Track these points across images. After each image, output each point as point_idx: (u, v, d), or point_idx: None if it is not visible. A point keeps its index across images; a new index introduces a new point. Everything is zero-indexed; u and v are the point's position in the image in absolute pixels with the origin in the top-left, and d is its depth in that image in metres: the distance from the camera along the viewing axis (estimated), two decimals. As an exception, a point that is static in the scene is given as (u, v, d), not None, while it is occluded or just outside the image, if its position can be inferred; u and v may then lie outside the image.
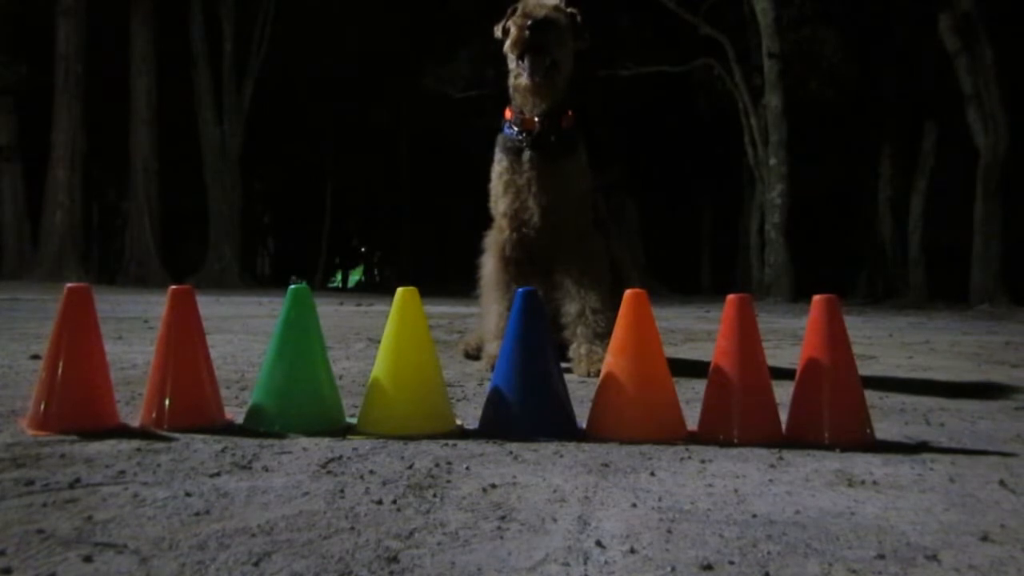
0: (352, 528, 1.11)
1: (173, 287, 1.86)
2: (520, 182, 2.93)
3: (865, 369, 3.23)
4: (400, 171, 24.36)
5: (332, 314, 7.04)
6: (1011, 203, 11.89)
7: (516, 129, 2.94)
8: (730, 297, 1.81)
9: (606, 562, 1.00)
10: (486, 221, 3.16)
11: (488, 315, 3.03)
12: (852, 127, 16.67)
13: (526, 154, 2.91)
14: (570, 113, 2.98)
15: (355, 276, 35.46)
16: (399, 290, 1.84)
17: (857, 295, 16.64)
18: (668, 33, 16.66)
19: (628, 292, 1.84)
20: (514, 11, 2.87)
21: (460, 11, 17.71)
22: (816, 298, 1.78)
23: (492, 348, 2.88)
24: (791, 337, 5.19)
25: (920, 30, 13.29)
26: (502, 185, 2.97)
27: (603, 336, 2.73)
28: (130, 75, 17.28)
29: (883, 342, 4.92)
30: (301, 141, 22.60)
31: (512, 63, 2.86)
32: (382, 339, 1.84)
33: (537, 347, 1.82)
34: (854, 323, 7.02)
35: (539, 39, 2.70)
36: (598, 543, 1.06)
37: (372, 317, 6.73)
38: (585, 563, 0.99)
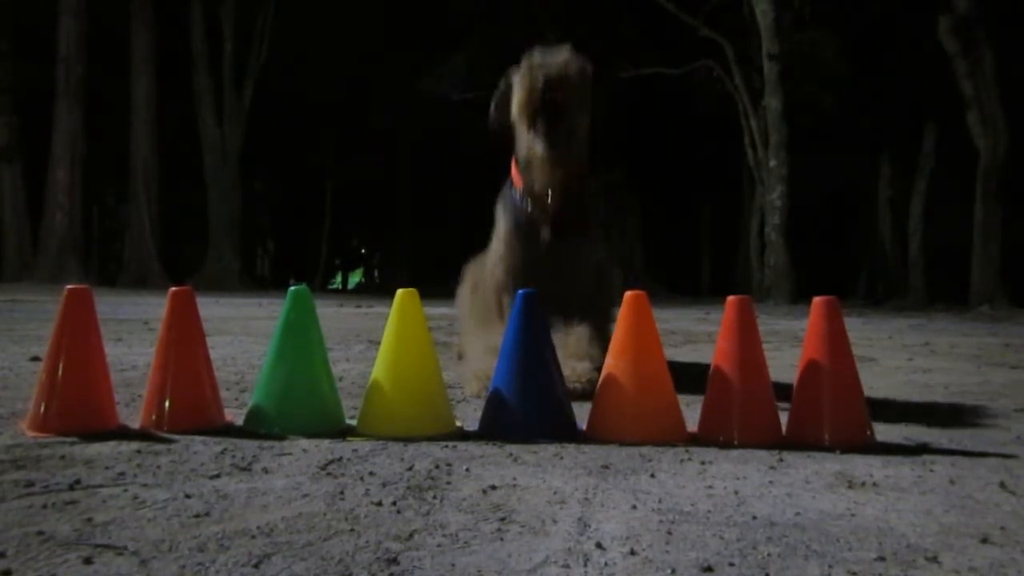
0: (352, 530, 1.11)
1: (173, 288, 1.86)
2: (530, 260, 2.51)
3: (865, 371, 3.23)
4: (400, 172, 24.35)
5: (332, 315, 7.05)
6: (1011, 204, 11.88)
7: (528, 202, 2.51)
8: (730, 299, 1.81)
9: (606, 564, 1.00)
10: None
11: (474, 349, 2.55)
12: (852, 128, 16.66)
13: (542, 232, 2.50)
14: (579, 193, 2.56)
15: (355, 278, 35.42)
16: (399, 292, 1.84)
17: (857, 297, 16.63)
18: (668, 35, 16.66)
19: (628, 294, 1.84)
20: (516, 70, 2.39)
21: (459, 12, 17.71)
22: (816, 300, 1.78)
23: (474, 388, 2.37)
24: (791, 339, 5.19)
25: (920, 32, 13.29)
26: (509, 258, 2.56)
27: (586, 357, 2.39)
28: (130, 75, 17.28)
29: (883, 344, 4.92)
30: (301, 141, 22.58)
31: (521, 130, 2.36)
32: (382, 341, 1.84)
33: (537, 348, 1.82)
34: (854, 325, 7.02)
35: (555, 99, 2.21)
36: (598, 545, 1.06)
37: (372, 319, 6.73)
38: (585, 565, 0.99)
